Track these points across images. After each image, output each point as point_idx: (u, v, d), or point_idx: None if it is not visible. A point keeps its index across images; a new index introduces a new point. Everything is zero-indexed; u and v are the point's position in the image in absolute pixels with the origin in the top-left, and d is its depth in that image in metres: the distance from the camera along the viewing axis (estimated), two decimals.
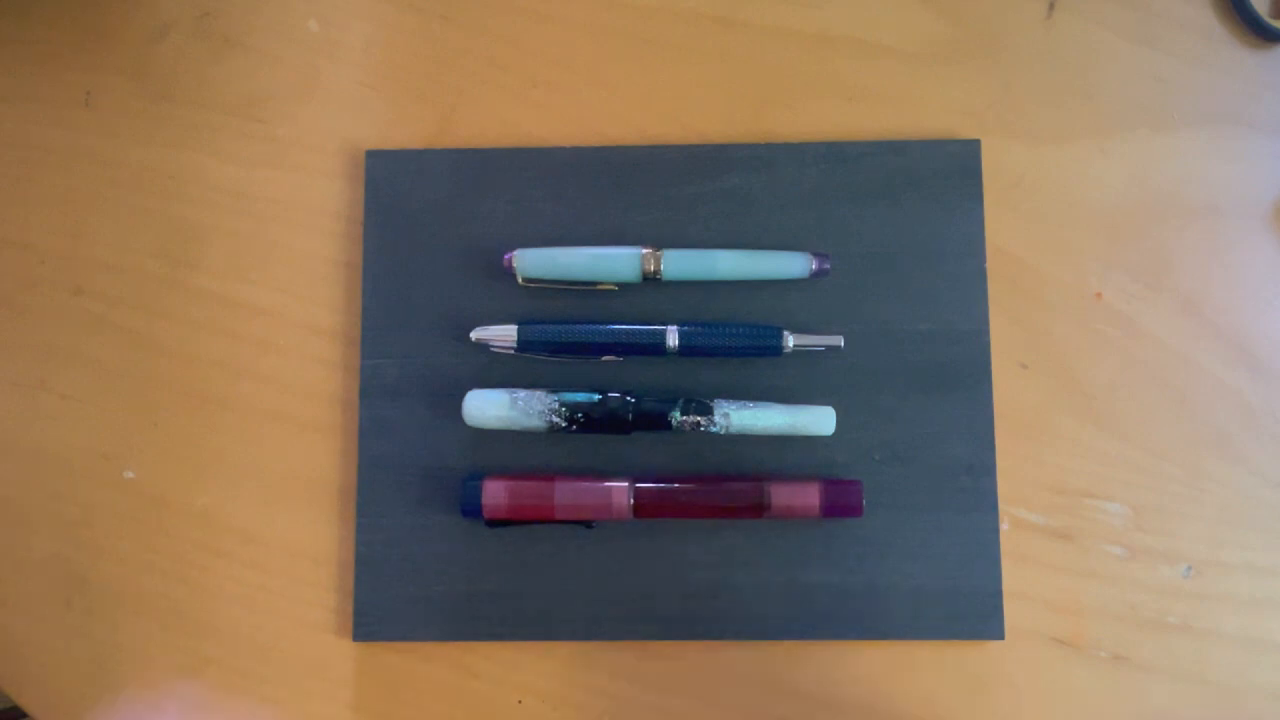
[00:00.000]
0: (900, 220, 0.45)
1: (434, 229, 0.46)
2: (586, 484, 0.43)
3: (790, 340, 0.44)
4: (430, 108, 0.48)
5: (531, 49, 0.48)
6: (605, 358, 0.45)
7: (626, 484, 0.43)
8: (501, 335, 0.44)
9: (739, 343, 0.44)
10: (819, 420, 0.43)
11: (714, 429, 0.43)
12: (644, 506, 0.43)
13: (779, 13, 0.48)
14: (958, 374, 0.44)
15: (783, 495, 0.42)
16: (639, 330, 0.44)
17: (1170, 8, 0.48)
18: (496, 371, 0.45)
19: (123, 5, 0.49)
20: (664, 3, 0.48)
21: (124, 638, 0.45)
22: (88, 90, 0.49)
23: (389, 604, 0.44)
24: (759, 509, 0.42)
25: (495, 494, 0.43)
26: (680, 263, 0.44)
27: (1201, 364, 0.45)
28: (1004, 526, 0.44)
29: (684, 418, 0.43)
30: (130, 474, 0.46)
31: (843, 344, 0.44)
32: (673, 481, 0.43)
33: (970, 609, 0.43)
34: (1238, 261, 0.46)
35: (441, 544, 0.44)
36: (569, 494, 0.43)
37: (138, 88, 0.48)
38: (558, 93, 0.48)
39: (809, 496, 0.42)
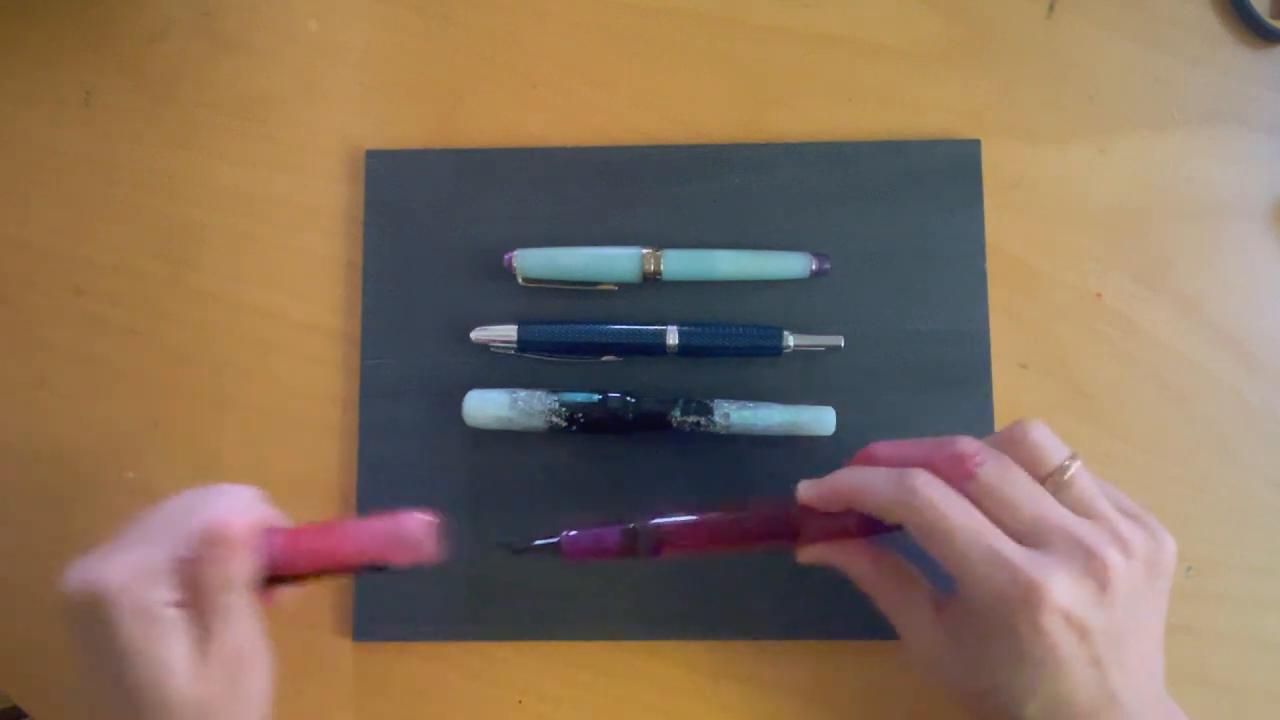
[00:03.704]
0: (900, 220, 0.45)
1: (434, 229, 0.46)
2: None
3: (790, 340, 0.44)
4: (430, 108, 0.48)
5: (531, 49, 0.48)
6: (605, 358, 0.45)
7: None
8: (501, 335, 0.44)
9: (739, 343, 0.44)
10: (819, 420, 0.43)
11: (714, 429, 0.43)
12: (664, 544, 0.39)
13: (779, 13, 0.48)
14: (958, 374, 0.44)
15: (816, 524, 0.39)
16: (639, 330, 0.44)
17: (1170, 8, 0.48)
18: (496, 371, 0.45)
19: (123, 5, 0.49)
20: (664, 3, 0.48)
21: None
22: (88, 90, 0.49)
23: (389, 604, 0.44)
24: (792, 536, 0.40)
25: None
26: (680, 263, 0.44)
27: (1201, 364, 0.45)
28: None
29: (684, 418, 0.43)
30: (130, 474, 0.46)
31: (843, 344, 0.44)
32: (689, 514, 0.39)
33: None
34: (1237, 261, 0.46)
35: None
36: None
37: (138, 88, 0.48)
38: (558, 93, 0.48)
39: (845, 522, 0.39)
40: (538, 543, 0.39)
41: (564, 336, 0.44)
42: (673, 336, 0.44)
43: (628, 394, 0.43)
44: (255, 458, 0.45)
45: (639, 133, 0.47)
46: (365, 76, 0.48)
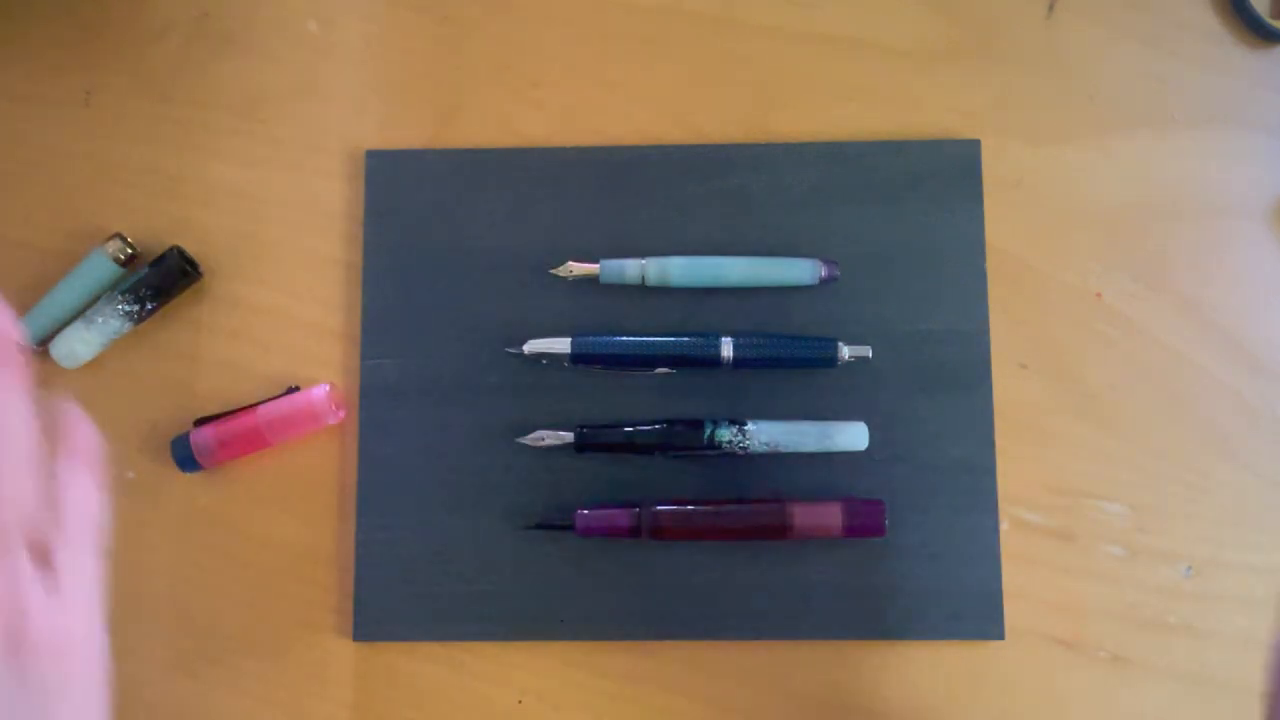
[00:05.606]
0: (900, 220, 0.45)
1: (434, 229, 0.46)
2: None
3: (845, 352, 0.44)
4: (430, 108, 0.48)
5: (531, 49, 0.48)
6: (658, 370, 0.44)
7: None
8: (554, 348, 0.44)
9: (795, 354, 0.43)
10: (851, 438, 0.43)
11: (746, 451, 0.43)
12: (662, 530, 0.43)
13: (779, 13, 0.48)
14: (958, 374, 0.44)
15: (807, 516, 0.42)
16: (693, 342, 0.44)
17: (1170, 8, 0.48)
18: (497, 371, 0.45)
19: (123, 5, 0.49)
20: (664, 3, 0.48)
21: (124, 638, 0.45)
22: (88, 90, 0.49)
23: (389, 604, 0.44)
24: (781, 531, 0.42)
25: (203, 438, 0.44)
26: (688, 270, 0.44)
27: (1201, 364, 0.45)
28: (1004, 526, 0.44)
29: (712, 445, 0.43)
30: (130, 474, 0.46)
31: (870, 354, 0.44)
32: (686, 504, 0.43)
33: (970, 609, 0.43)
34: (1238, 261, 0.46)
35: (441, 544, 0.44)
36: None
37: (138, 88, 0.48)
38: (558, 93, 0.48)
39: (831, 517, 0.42)
40: (555, 521, 0.43)
41: (618, 349, 0.44)
42: (728, 349, 0.43)
43: (656, 422, 0.43)
44: (256, 457, 0.45)
45: (639, 133, 0.47)
46: (365, 76, 0.48)
